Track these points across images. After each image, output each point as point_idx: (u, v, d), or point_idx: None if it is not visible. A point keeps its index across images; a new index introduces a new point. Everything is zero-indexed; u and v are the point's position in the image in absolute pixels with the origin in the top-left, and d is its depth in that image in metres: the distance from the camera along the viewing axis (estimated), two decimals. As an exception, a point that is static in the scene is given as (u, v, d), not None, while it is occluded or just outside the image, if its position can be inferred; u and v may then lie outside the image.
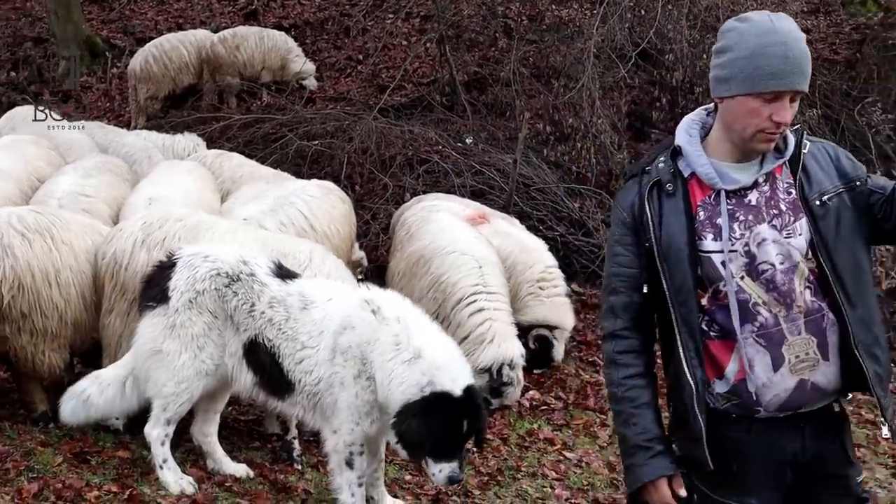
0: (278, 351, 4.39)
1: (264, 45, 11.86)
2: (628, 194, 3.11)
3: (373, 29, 12.47)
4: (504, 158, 9.40)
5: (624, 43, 10.08)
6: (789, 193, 2.99)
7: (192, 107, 11.61)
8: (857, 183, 3.01)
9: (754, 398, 2.93)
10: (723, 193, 2.96)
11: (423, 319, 4.37)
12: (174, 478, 4.54)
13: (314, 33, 13.12)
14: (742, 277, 2.95)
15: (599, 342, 7.94)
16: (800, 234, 2.96)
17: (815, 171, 3.02)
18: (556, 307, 7.25)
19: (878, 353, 2.98)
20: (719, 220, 2.96)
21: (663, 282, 2.98)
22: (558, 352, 7.18)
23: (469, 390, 4.14)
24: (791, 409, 2.96)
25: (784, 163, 3.00)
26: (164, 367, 4.51)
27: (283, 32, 12.43)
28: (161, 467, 4.55)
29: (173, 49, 11.97)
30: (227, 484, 4.70)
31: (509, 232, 7.64)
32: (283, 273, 4.63)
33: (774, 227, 2.97)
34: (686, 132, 3.07)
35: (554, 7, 11.44)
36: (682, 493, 2.99)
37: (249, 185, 7.41)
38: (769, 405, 2.93)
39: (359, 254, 7.83)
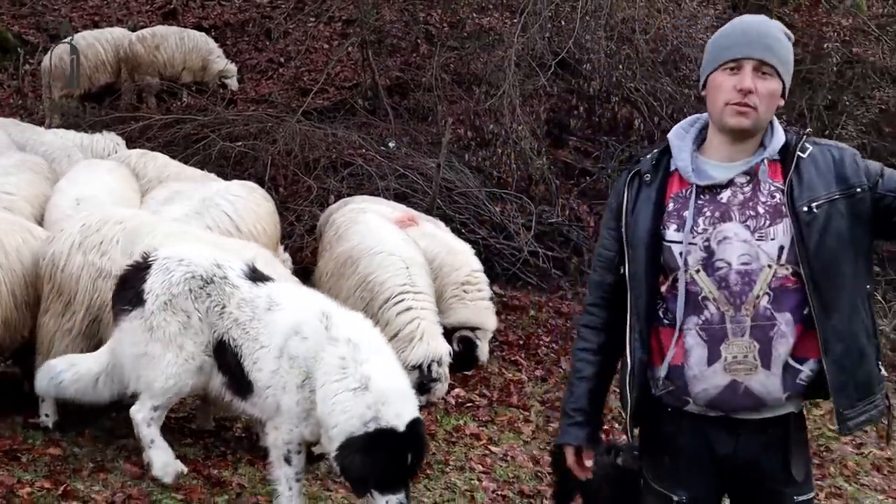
0: (241, 350, 4.43)
1: (185, 45, 11.72)
2: (620, 181, 3.21)
3: (294, 32, 12.47)
4: (427, 162, 9.55)
5: (543, 52, 10.34)
6: (773, 197, 2.98)
7: (110, 106, 11.38)
8: (858, 190, 2.96)
9: (686, 387, 3.00)
10: (694, 188, 3.02)
11: (376, 345, 4.36)
12: (165, 457, 4.60)
13: (234, 35, 13.02)
14: (697, 271, 2.99)
15: (521, 342, 8.23)
16: (772, 239, 2.95)
17: (809, 175, 2.98)
18: (479, 310, 7.40)
19: (850, 364, 2.95)
20: (686, 213, 3.01)
21: (626, 265, 3.10)
22: (483, 351, 7.30)
23: (414, 424, 4.13)
24: (721, 408, 3.00)
25: (767, 161, 3.00)
26: (152, 367, 4.55)
27: (203, 33, 12.30)
28: (149, 447, 4.59)
29: (89, 47, 11.71)
30: (162, 480, 4.71)
31: (436, 234, 7.76)
32: (256, 276, 4.66)
33: (747, 227, 2.97)
34: (682, 128, 3.16)
35: (475, 15, 11.61)
36: (589, 463, 3.19)
37: (164, 185, 7.39)
38: (698, 398, 2.99)
39: (283, 255, 7.85)
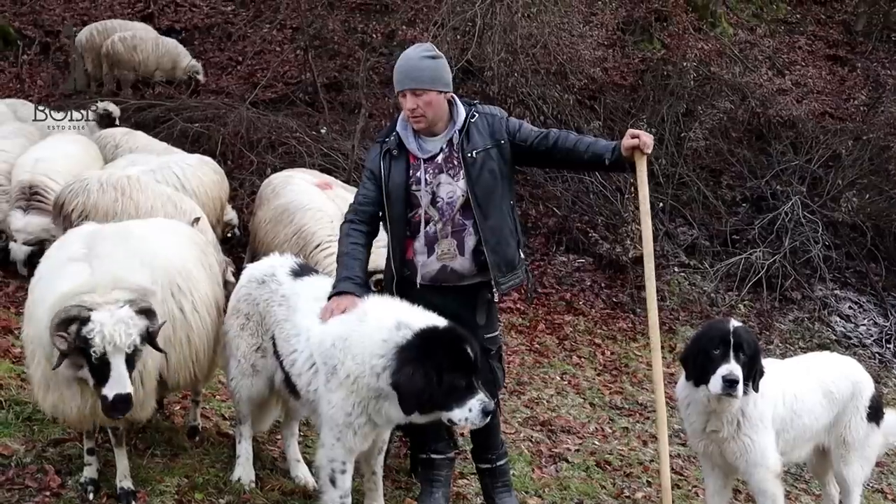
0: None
1: (158, 50, 13.38)
2: (373, 152, 4.67)
3: (252, 36, 14.15)
4: (347, 145, 11.59)
5: (450, 59, 12.41)
6: (459, 153, 4.47)
7: (95, 91, 13.20)
8: (503, 141, 4.47)
9: (416, 271, 4.62)
10: (422, 159, 4.55)
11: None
12: (242, 473, 5.03)
13: (201, 36, 14.75)
14: (429, 206, 4.54)
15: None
16: (462, 179, 4.48)
17: (474, 134, 4.46)
18: (378, 256, 9.48)
19: (500, 250, 4.49)
20: (419, 174, 4.52)
21: (387, 210, 4.60)
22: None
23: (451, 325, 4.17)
24: (438, 282, 4.56)
25: (457, 131, 4.44)
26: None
27: (174, 39, 13.97)
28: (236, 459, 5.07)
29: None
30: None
31: (346, 197, 9.59)
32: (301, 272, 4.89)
33: (450, 175, 4.49)
34: (403, 120, 4.58)
35: (404, 28, 13.30)
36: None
37: (126, 156, 9.07)
38: (423, 277, 4.61)
39: (231, 213, 9.77)
